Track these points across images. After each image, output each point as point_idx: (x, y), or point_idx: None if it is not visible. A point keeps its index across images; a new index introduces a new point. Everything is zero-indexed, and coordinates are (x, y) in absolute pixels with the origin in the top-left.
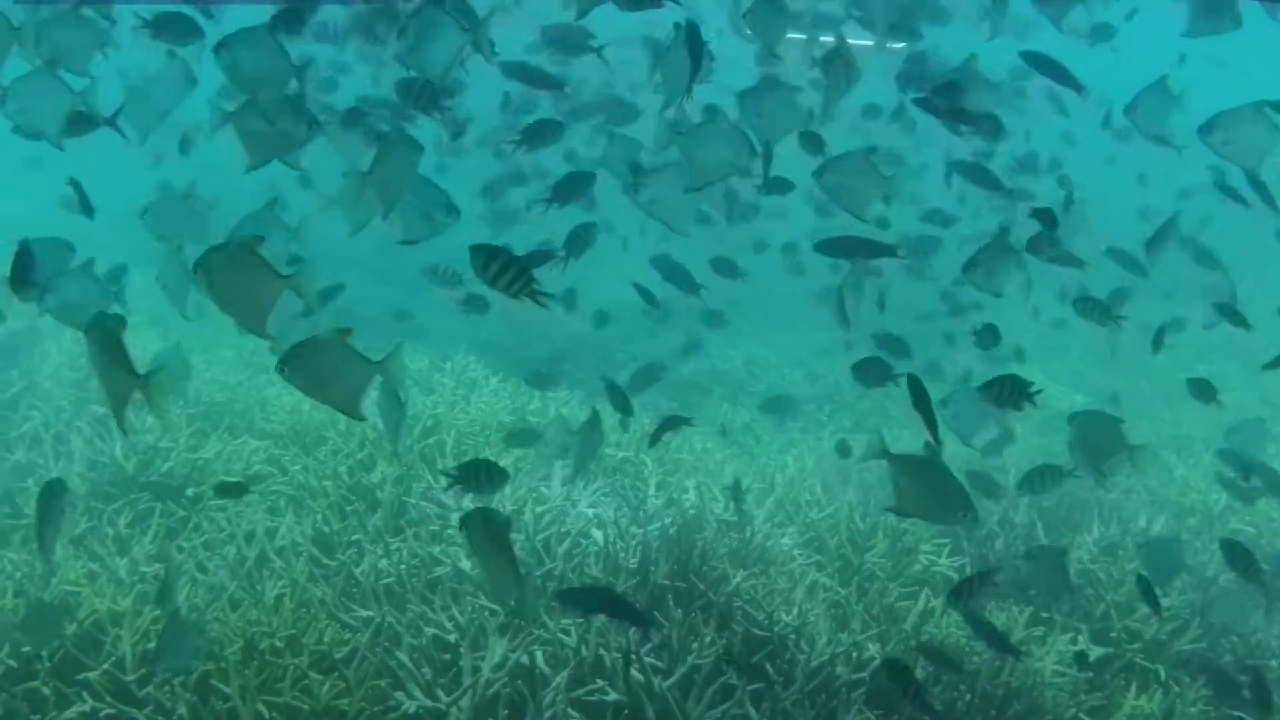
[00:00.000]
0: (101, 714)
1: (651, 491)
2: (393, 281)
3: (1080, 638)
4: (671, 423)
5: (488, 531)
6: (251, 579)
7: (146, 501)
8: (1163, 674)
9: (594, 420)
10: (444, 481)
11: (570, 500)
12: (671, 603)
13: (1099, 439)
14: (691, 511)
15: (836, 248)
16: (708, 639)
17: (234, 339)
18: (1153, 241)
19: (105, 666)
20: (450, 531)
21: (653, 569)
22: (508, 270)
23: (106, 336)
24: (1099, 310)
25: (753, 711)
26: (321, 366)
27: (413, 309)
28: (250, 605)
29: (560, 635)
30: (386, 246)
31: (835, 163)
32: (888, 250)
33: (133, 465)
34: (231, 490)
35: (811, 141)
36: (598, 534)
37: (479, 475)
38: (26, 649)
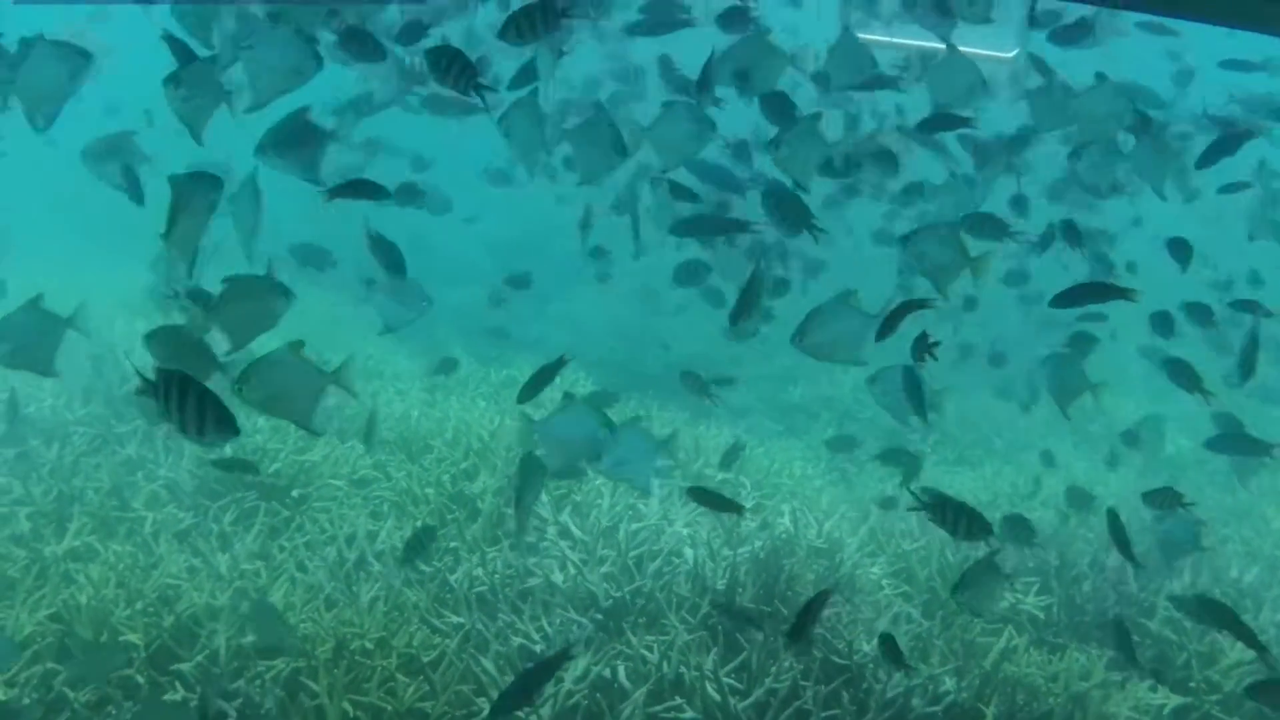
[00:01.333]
0: (192, 704)
1: (746, 513)
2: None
3: (1160, 687)
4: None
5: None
6: (349, 580)
7: (252, 501)
8: None
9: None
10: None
11: (666, 519)
12: (755, 627)
13: (1066, 379)
14: (783, 536)
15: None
16: (786, 663)
17: (351, 346)
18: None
19: (199, 659)
20: (545, 544)
21: (739, 591)
22: (453, 65)
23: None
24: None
25: None
26: (277, 382)
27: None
28: (345, 606)
29: (644, 651)
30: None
31: (922, 233)
32: (742, 226)
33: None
34: None
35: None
36: (689, 553)
37: None
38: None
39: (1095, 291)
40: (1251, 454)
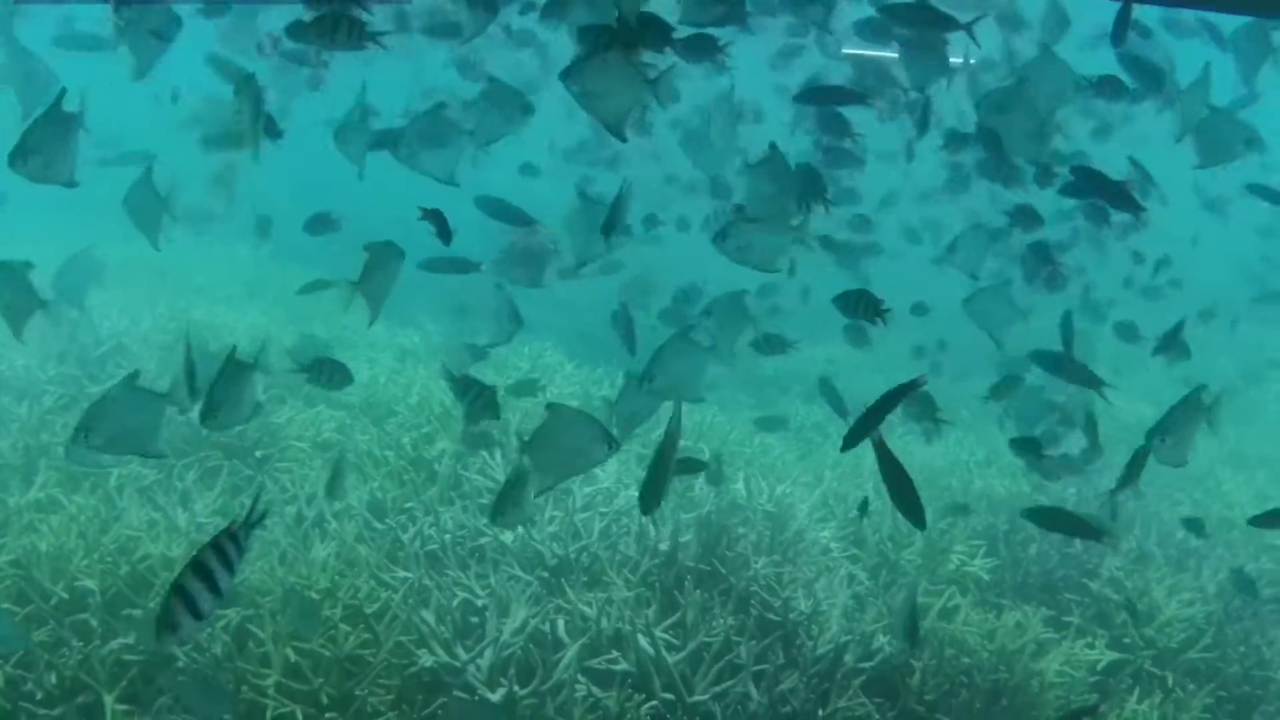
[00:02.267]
0: (139, 648)
1: (700, 480)
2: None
3: (1097, 643)
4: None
5: None
6: (306, 538)
7: (216, 460)
8: (1170, 681)
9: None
10: (500, 460)
11: (621, 482)
12: (692, 583)
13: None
14: (733, 500)
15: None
16: (720, 621)
17: (324, 316)
18: None
19: (151, 606)
20: None
21: (681, 552)
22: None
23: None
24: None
25: (753, 689)
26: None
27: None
28: (299, 562)
29: (583, 608)
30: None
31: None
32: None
33: None
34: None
35: None
36: (641, 515)
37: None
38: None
39: (1108, 189)
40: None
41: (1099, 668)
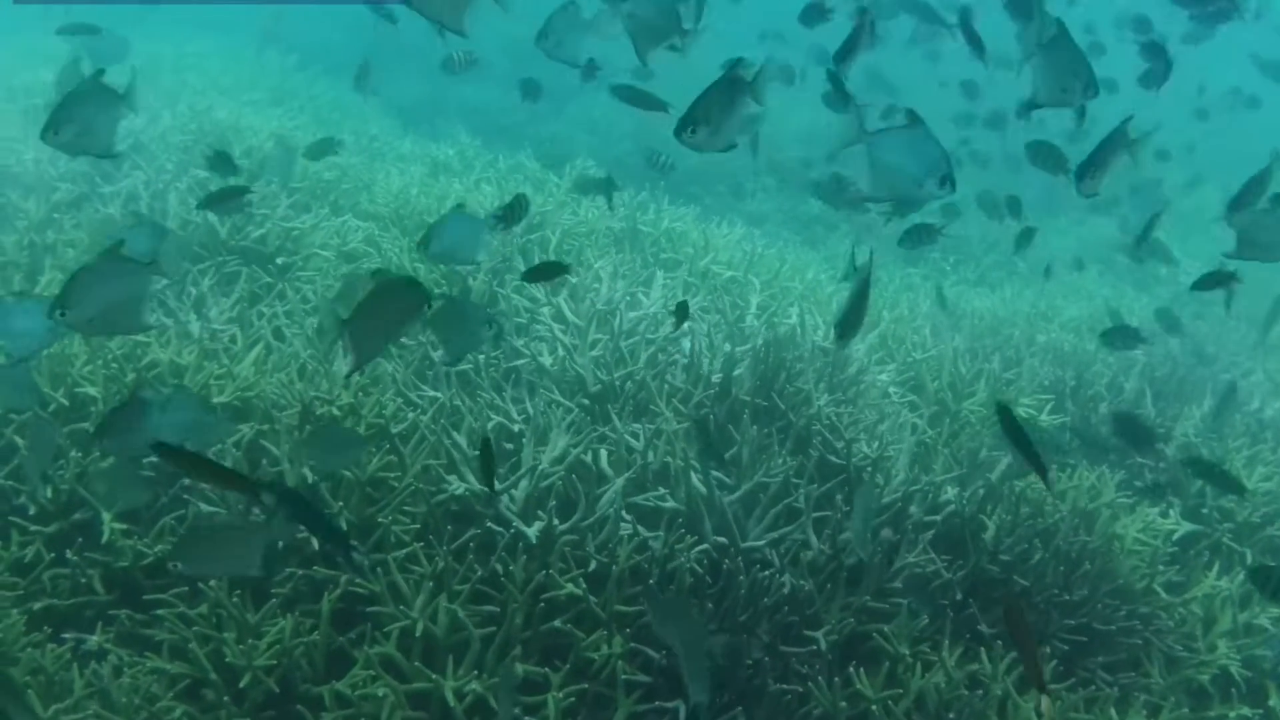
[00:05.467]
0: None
1: (752, 310)
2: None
3: (1171, 512)
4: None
5: None
6: (328, 352)
7: (234, 265)
8: (1249, 558)
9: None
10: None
11: (667, 309)
12: (748, 419)
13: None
14: (786, 334)
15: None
16: (779, 460)
17: (355, 124)
18: None
19: None
20: (537, 326)
21: (735, 385)
22: None
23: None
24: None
25: (814, 538)
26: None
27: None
28: (321, 376)
29: (628, 439)
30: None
31: None
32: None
33: (226, 229)
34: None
35: None
36: (686, 344)
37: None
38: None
39: None
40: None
41: (1175, 538)
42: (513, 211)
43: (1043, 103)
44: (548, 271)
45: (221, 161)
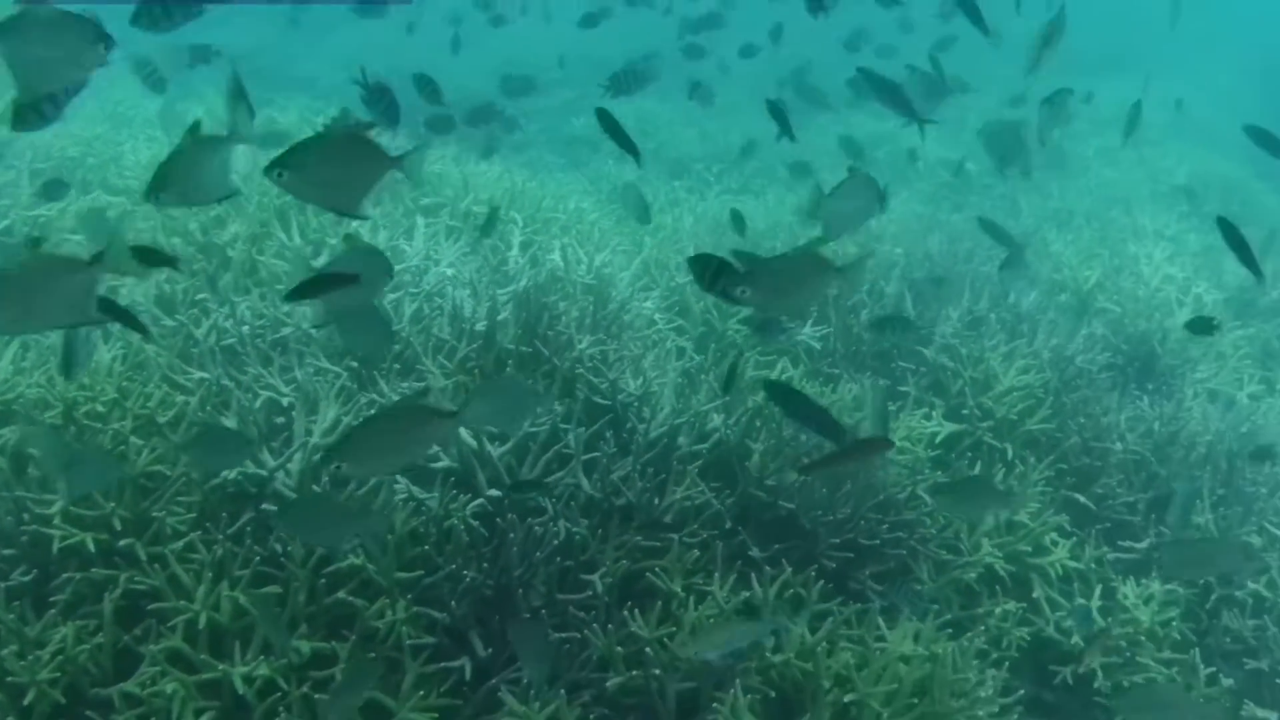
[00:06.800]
0: None
1: (514, 252)
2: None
3: (935, 414)
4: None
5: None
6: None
7: None
8: (1010, 453)
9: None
10: (299, 240)
11: (431, 258)
12: (513, 368)
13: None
14: (545, 273)
15: None
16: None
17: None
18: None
19: None
20: None
21: (500, 332)
22: None
23: None
24: None
25: (585, 480)
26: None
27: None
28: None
29: (396, 399)
30: None
31: None
32: None
33: None
34: None
35: None
36: (450, 293)
37: None
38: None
39: None
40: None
41: (938, 440)
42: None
43: None
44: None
45: None
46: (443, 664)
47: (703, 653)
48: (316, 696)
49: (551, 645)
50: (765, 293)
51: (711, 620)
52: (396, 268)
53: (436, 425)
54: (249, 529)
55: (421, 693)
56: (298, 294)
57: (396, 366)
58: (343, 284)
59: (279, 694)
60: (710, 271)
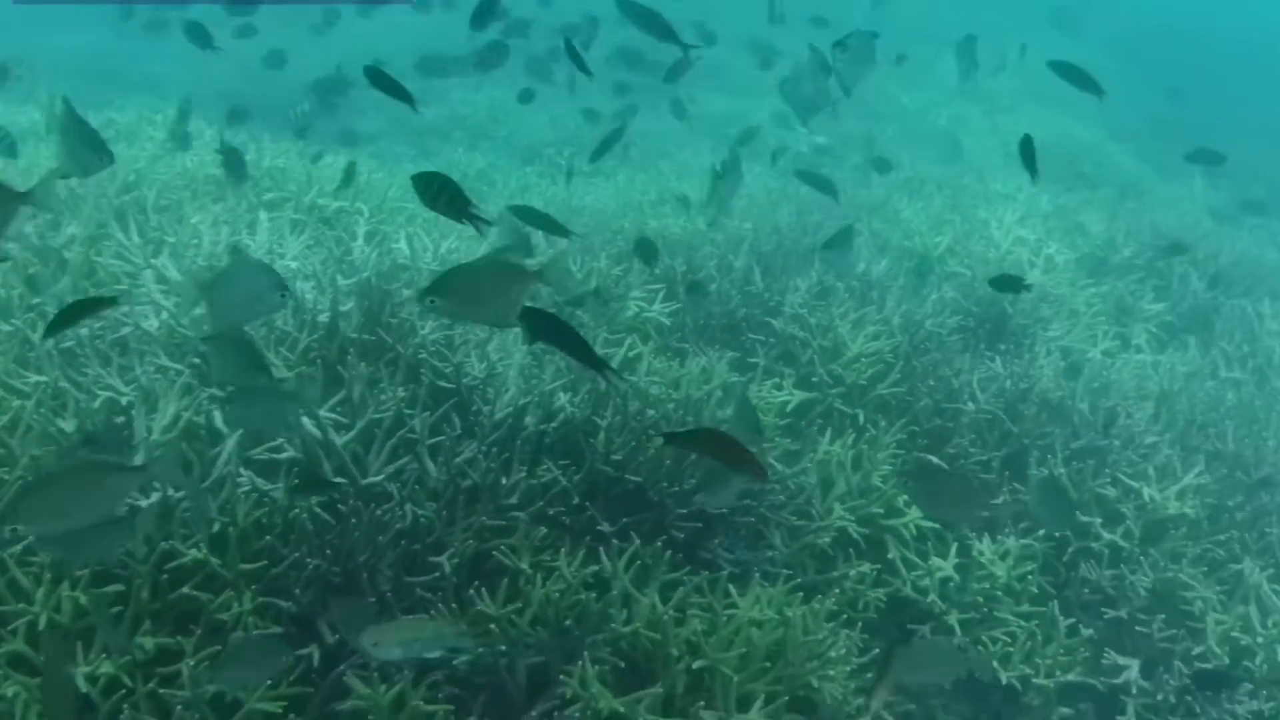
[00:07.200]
0: None
1: (359, 242)
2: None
3: (785, 383)
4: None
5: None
6: None
7: None
8: (861, 418)
9: None
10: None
11: (275, 251)
12: (355, 356)
13: None
14: (388, 261)
15: None
16: (389, 393)
17: None
18: None
19: None
20: (140, 291)
21: (342, 322)
22: None
23: None
24: None
25: (430, 465)
26: None
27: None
28: None
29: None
30: None
31: None
32: None
33: None
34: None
35: None
36: (298, 286)
37: None
38: None
39: None
40: None
41: (789, 409)
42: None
43: None
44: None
45: None
46: (294, 651)
47: (386, 650)
48: (163, 692)
49: (371, 615)
50: (456, 302)
51: (410, 620)
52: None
53: (117, 479)
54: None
55: (270, 681)
56: (54, 327)
57: None
58: (101, 308)
59: (124, 691)
60: (433, 190)
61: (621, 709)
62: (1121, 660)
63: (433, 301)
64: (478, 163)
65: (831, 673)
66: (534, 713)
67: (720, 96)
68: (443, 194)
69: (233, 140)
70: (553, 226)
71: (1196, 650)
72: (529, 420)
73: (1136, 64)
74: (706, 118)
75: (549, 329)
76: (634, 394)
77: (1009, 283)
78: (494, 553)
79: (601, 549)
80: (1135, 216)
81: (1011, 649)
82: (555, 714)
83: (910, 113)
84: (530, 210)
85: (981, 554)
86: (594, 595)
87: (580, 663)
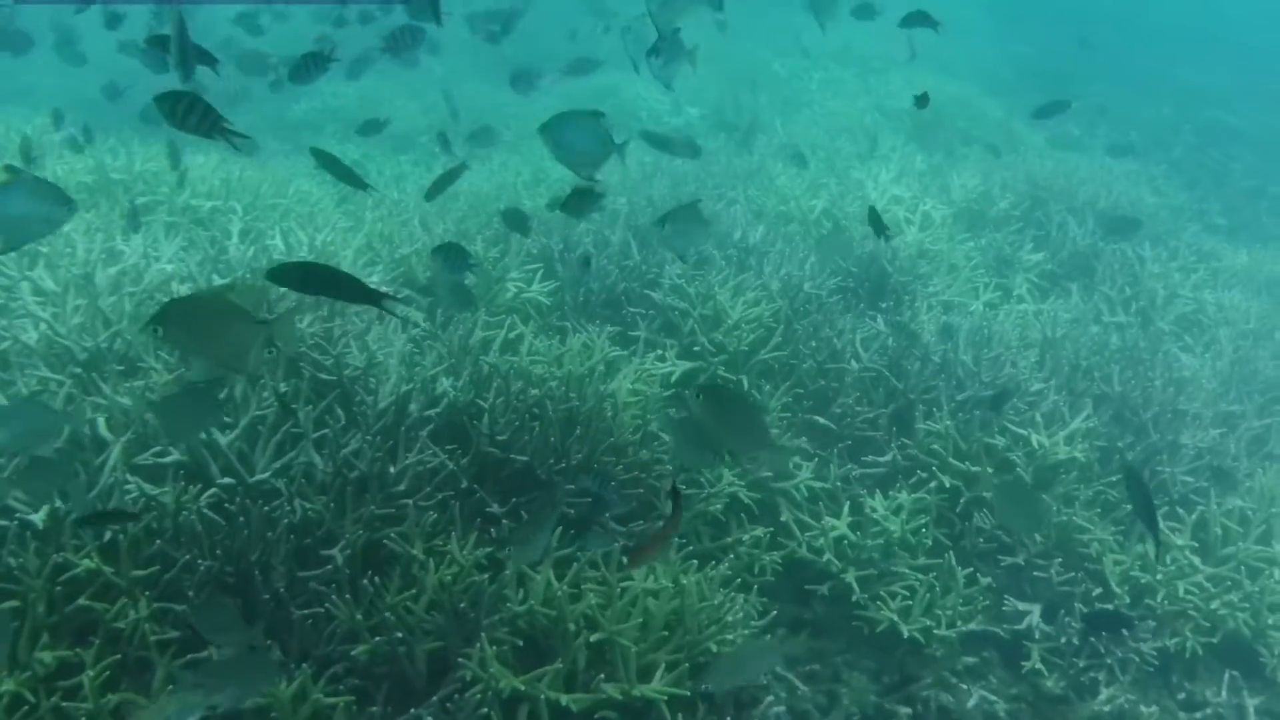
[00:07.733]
0: None
1: (234, 240)
2: None
3: (668, 354)
4: None
5: None
6: None
7: None
8: (745, 384)
9: None
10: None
11: (150, 256)
12: None
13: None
14: (264, 258)
15: None
16: (269, 390)
17: None
18: None
19: None
20: (16, 304)
21: None
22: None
23: None
24: None
25: (317, 457)
26: None
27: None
28: None
29: (122, 400)
30: None
31: None
32: None
33: None
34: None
35: None
36: (175, 289)
37: None
38: None
39: None
40: None
41: (672, 380)
42: None
43: None
44: None
45: None
46: (190, 655)
47: None
48: (66, 705)
49: (232, 615)
50: (178, 332)
51: (166, 695)
52: (112, 270)
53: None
54: None
55: (172, 687)
56: None
57: (120, 367)
58: None
59: (27, 708)
60: (180, 110)
61: (523, 687)
62: (1022, 606)
63: (156, 330)
64: (351, 154)
65: (730, 637)
66: (435, 698)
67: (599, 75)
68: (191, 113)
69: (104, 147)
70: (353, 179)
71: (1097, 591)
72: (413, 407)
73: (1012, 20)
74: (580, 92)
75: (312, 279)
76: (516, 374)
77: (877, 222)
78: (385, 541)
79: (492, 530)
80: (1010, 169)
81: (911, 602)
82: (456, 697)
83: (781, 79)
84: (333, 160)
85: (874, 510)
86: (488, 577)
87: (478, 645)
